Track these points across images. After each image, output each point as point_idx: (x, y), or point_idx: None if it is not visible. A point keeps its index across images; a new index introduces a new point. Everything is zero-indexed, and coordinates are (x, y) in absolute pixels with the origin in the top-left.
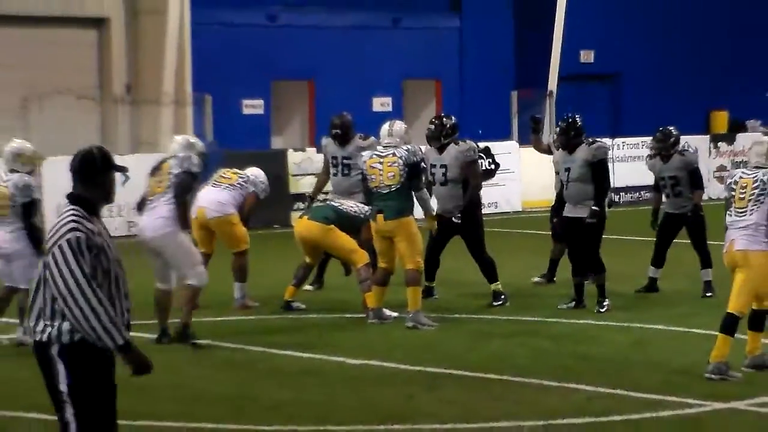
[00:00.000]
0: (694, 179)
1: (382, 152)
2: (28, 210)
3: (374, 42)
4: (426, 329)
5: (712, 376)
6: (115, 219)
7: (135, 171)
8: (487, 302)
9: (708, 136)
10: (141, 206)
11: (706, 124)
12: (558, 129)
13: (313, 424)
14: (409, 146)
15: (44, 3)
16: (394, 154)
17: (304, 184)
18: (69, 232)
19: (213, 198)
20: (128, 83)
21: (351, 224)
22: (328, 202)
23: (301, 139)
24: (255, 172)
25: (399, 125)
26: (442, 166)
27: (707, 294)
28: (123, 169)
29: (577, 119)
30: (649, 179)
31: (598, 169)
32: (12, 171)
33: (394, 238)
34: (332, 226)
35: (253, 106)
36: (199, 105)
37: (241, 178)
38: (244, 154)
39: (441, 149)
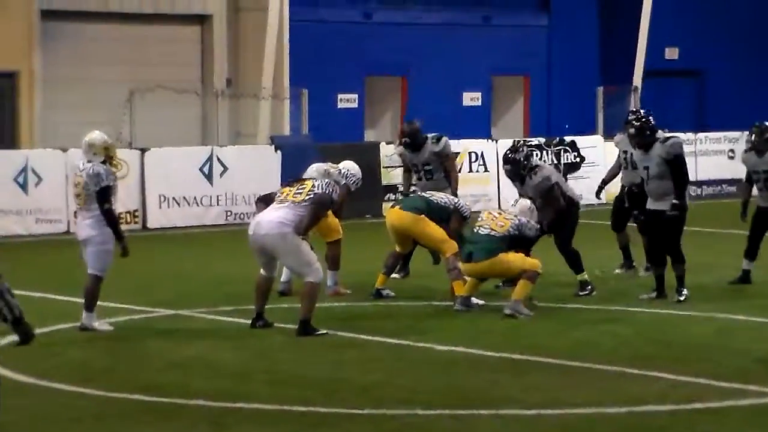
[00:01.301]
0: None
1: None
2: (101, 197)
3: (465, 39)
4: (523, 318)
5: None
6: (214, 207)
7: (234, 161)
8: (572, 291)
9: None
10: (265, 202)
11: None
12: (633, 131)
13: (401, 408)
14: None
15: (151, 1)
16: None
17: (395, 176)
18: None
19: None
20: (229, 78)
21: (441, 214)
22: (419, 193)
23: (393, 132)
24: (348, 165)
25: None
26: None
27: None
28: None
29: (650, 118)
30: (730, 173)
31: (675, 165)
32: (89, 161)
33: None
34: (423, 216)
35: (347, 101)
36: (296, 99)
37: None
38: (338, 146)
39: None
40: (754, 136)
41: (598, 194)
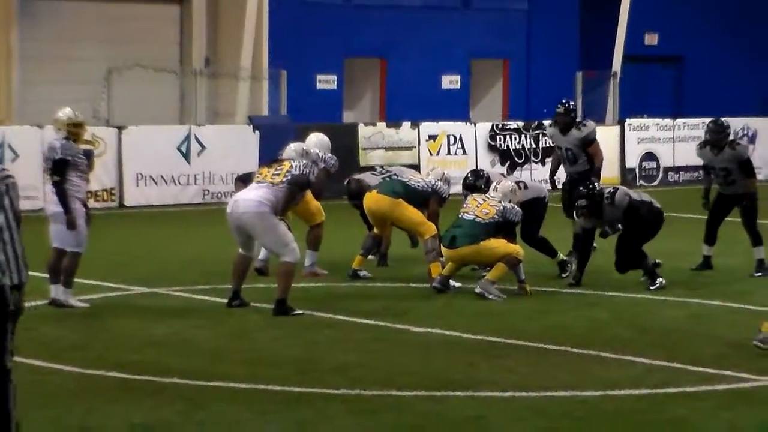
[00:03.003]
0: (746, 170)
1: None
2: (53, 169)
3: (445, 22)
4: (493, 299)
5: (761, 344)
6: (191, 186)
7: (212, 141)
8: (548, 275)
9: None
10: (244, 181)
11: (767, 106)
12: (712, 137)
13: (377, 389)
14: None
15: None
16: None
17: (373, 157)
18: (9, 177)
19: None
20: (207, 57)
21: (419, 198)
22: (396, 177)
23: (372, 114)
24: (317, 139)
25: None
26: None
27: (757, 273)
28: None
29: (725, 123)
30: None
31: (746, 165)
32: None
33: None
34: (400, 199)
35: (326, 82)
36: (275, 79)
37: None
38: (316, 127)
39: None
40: (710, 133)
41: (553, 186)
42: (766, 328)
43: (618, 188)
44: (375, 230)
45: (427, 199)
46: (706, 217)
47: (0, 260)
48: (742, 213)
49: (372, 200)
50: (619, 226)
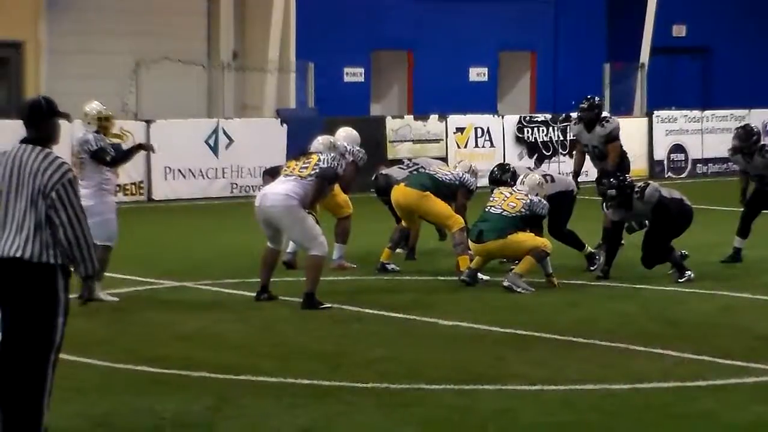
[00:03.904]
0: None
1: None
2: (99, 158)
3: (472, 14)
4: (521, 293)
5: None
6: (219, 180)
7: (240, 134)
8: (577, 268)
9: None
10: (272, 174)
11: None
12: (740, 144)
13: (405, 382)
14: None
15: None
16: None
17: (401, 150)
18: (69, 171)
19: None
20: (235, 51)
21: (447, 190)
22: (423, 170)
23: (399, 106)
24: (346, 133)
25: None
26: None
27: None
28: (66, 116)
29: (753, 129)
30: None
31: None
32: (85, 131)
33: None
34: (428, 192)
35: (354, 74)
36: (302, 72)
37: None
38: (344, 119)
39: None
40: (738, 140)
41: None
42: None
43: (649, 183)
44: (403, 223)
45: (454, 192)
46: (734, 209)
47: (75, 255)
48: None
49: (400, 193)
50: (646, 222)
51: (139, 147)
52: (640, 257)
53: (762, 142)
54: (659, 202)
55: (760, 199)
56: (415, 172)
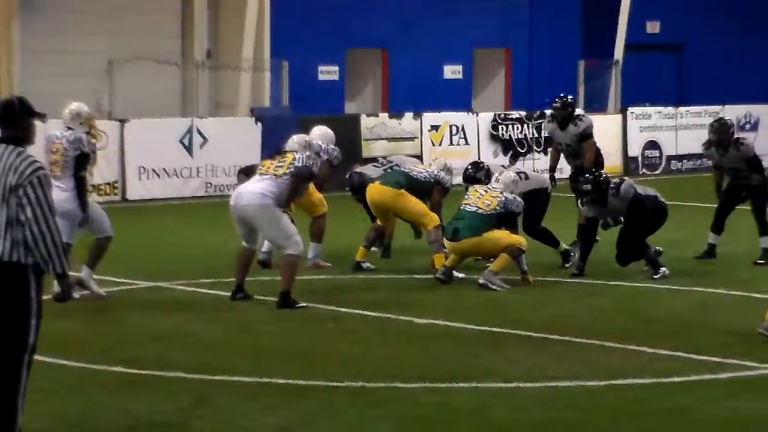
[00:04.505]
0: (754, 166)
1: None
2: (79, 163)
3: (446, 12)
4: (496, 290)
5: (766, 332)
6: (194, 179)
7: (214, 133)
8: (551, 265)
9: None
10: (247, 173)
11: None
12: (716, 138)
13: (380, 381)
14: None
15: None
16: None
17: (376, 148)
18: (40, 169)
19: None
20: (209, 49)
21: (422, 188)
22: (398, 168)
23: (374, 104)
24: (321, 132)
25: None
26: None
27: (760, 261)
28: (41, 116)
29: (728, 122)
30: None
31: (753, 162)
32: (68, 129)
33: None
34: (403, 190)
35: (328, 72)
36: (277, 71)
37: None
38: (318, 118)
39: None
40: (713, 133)
41: (553, 184)
42: None
43: (624, 180)
44: (378, 222)
45: (429, 190)
46: (708, 205)
47: (42, 252)
48: (753, 203)
49: (375, 192)
50: (621, 218)
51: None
52: (615, 255)
53: (736, 136)
54: (634, 199)
55: (734, 194)
56: (389, 170)
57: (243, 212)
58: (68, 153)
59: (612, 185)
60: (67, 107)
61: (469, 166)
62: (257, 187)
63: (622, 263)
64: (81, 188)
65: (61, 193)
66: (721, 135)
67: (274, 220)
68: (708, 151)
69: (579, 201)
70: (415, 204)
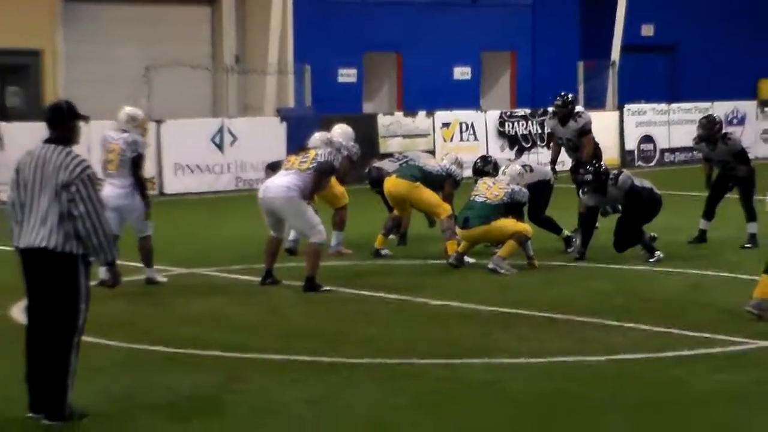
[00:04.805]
0: (742, 159)
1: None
2: (136, 163)
3: (456, 17)
4: (505, 274)
5: (753, 309)
6: (225, 174)
7: (243, 132)
8: (554, 250)
9: (756, 101)
10: (273, 168)
11: (755, 90)
12: (705, 133)
13: (398, 357)
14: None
15: None
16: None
17: (392, 145)
18: (89, 168)
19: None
20: (237, 55)
21: (435, 181)
22: (413, 163)
23: (390, 104)
24: (341, 129)
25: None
26: None
27: (747, 245)
28: (85, 118)
29: (716, 119)
30: None
31: (740, 155)
32: (123, 131)
33: None
34: (418, 183)
35: (347, 75)
36: (300, 74)
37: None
38: (338, 117)
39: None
40: (702, 129)
41: (554, 176)
42: (756, 294)
43: (622, 171)
44: (395, 212)
45: (442, 182)
46: (698, 194)
47: (93, 244)
48: (740, 192)
49: (392, 184)
50: (619, 207)
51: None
52: (613, 243)
53: (724, 131)
54: (631, 189)
55: (722, 184)
56: (405, 165)
57: (271, 204)
58: (125, 154)
59: (611, 176)
60: (122, 111)
61: (478, 160)
62: (283, 181)
63: (619, 250)
64: (142, 186)
65: (114, 190)
66: (709, 131)
67: (299, 212)
68: (698, 145)
69: (580, 191)
70: (429, 195)
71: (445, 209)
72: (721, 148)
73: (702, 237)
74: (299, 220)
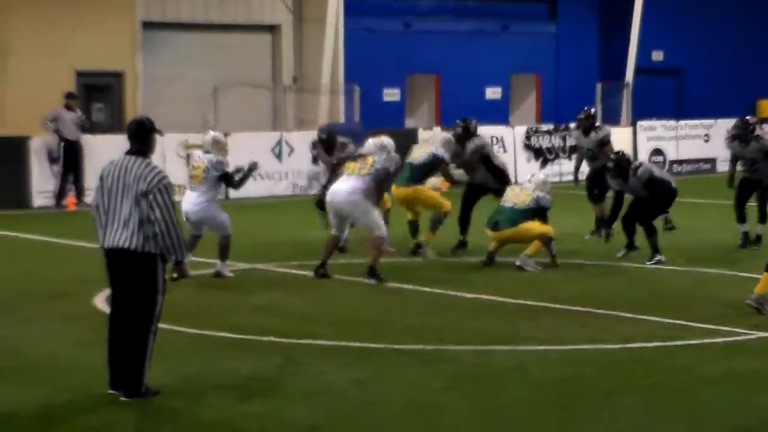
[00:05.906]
0: None
1: None
2: (227, 181)
3: (488, 44)
4: (530, 271)
5: (753, 303)
6: (283, 181)
7: (299, 144)
8: (572, 249)
9: (755, 119)
10: (334, 173)
11: (753, 109)
12: (739, 132)
13: (435, 344)
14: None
15: (232, 14)
16: None
17: None
18: (165, 178)
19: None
20: (295, 76)
21: (426, 169)
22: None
23: (429, 120)
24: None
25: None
26: None
27: (753, 247)
28: (160, 132)
29: (750, 120)
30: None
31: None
32: (207, 152)
33: None
34: (415, 185)
35: (391, 95)
36: (350, 93)
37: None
38: (384, 131)
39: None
40: (736, 129)
41: (575, 181)
42: (757, 290)
43: (643, 163)
44: (409, 216)
45: (433, 167)
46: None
47: (167, 244)
48: (760, 194)
49: (396, 193)
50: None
51: (251, 168)
52: (622, 217)
53: (756, 132)
54: (649, 180)
55: (746, 187)
56: (400, 171)
57: (339, 208)
58: (210, 172)
59: (633, 167)
60: (207, 135)
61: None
62: (347, 186)
63: (626, 224)
64: (237, 185)
65: (196, 200)
66: (743, 130)
67: (365, 212)
68: (731, 144)
69: (607, 174)
70: (430, 195)
71: (446, 206)
72: (754, 146)
73: (747, 239)
74: (365, 218)
